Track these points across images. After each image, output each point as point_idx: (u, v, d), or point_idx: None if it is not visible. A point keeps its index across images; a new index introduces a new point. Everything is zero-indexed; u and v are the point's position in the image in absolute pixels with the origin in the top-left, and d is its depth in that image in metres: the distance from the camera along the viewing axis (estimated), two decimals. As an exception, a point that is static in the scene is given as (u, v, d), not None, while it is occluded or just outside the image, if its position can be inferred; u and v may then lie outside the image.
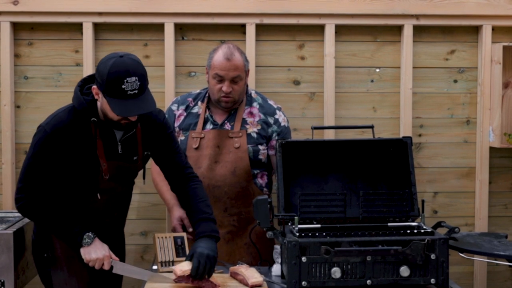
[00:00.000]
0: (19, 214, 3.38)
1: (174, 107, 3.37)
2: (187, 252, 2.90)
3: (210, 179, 3.22)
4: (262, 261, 3.03)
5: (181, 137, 3.30)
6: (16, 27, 3.70)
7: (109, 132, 2.70)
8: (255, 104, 3.33)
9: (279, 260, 2.78)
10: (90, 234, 2.67)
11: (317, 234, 2.61)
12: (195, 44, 3.75)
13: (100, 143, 2.67)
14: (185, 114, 3.33)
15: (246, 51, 3.65)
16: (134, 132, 2.75)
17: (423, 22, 3.74)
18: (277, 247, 2.83)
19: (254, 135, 3.26)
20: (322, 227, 2.72)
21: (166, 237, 2.92)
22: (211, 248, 2.65)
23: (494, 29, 3.77)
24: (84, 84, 2.72)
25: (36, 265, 2.88)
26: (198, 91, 3.41)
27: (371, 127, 3.12)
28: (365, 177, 2.95)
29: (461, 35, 3.82)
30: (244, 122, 3.28)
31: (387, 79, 3.82)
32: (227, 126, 3.27)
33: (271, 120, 3.31)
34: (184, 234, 2.97)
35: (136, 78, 2.50)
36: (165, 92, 3.67)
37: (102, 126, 2.67)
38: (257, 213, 2.58)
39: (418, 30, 3.77)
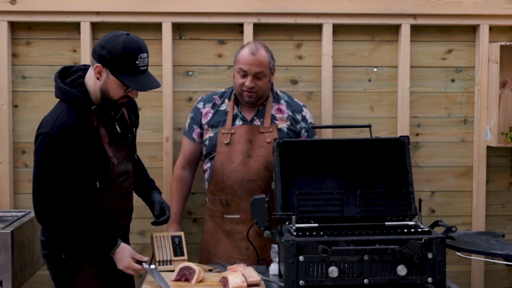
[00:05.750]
0: (17, 214, 3.38)
1: (200, 105, 3.42)
2: (185, 251, 2.92)
3: (244, 173, 3.25)
4: (260, 260, 3.04)
5: (210, 134, 3.34)
6: (14, 27, 3.69)
7: (106, 116, 2.73)
8: (282, 101, 3.40)
9: (277, 259, 2.79)
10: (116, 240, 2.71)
11: (314, 233, 2.61)
12: (192, 44, 3.75)
13: (103, 131, 2.71)
14: (212, 111, 3.38)
15: (244, 50, 3.66)
16: (122, 112, 2.82)
17: (420, 21, 3.74)
18: (275, 246, 2.84)
19: (285, 129, 3.32)
20: (319, 226, 2.73)
21: (163, 236, 2.92)
22: None
23: (491, 28, 3.78)
24: (62, 79, 2.72)
25: (50, 266, 2.81)
26: (222, 90, 3.46)
27: (369, 126, 3.13)
28: (363, 176, 2.96)
29: (459, 35, 3.82)
30: (273, 118, 3.34)
31: (384, 79, 3.82)
32: (257, 122, 3.33)
33: (298, 117, 3.38)
34: (182, 233, 2.98)
35: (146, 54, 2.64)
36: (163, 92, 3.66)
37: (99, 113, 2.70)
38: (255, 212, 2.59)
39: (416, 30, 3.78)
